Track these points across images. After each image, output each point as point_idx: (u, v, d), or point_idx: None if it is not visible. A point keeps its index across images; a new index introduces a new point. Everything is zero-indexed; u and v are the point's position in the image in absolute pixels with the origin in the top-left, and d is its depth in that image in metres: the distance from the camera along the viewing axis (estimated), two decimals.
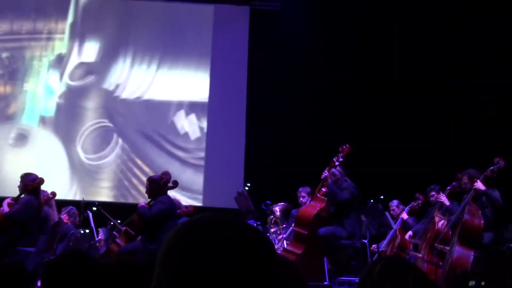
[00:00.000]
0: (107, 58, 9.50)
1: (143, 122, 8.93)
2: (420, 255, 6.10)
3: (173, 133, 8.98)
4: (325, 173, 6.70)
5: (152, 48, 9.90)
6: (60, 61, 9.55)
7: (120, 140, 8.81)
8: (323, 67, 9.50)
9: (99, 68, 9.36)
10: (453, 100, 8.91)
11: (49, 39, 9.56)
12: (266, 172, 9.17)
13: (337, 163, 6.68)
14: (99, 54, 9.48)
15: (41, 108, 9.30)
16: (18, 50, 9.50)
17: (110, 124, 8.95)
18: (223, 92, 9.90)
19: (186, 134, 8.99)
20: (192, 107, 9.45)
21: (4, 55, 9.48)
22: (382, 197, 7.64)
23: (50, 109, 9.24)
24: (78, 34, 9.58)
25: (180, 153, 8.80)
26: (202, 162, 8.97)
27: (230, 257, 0.91)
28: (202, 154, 8.92)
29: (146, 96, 9.24)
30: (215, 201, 9.27)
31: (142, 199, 8.21)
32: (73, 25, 9.59)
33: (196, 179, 8.79)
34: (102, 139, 8.91)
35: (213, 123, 9.79)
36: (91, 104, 9.11)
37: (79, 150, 8.85)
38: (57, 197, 6.97)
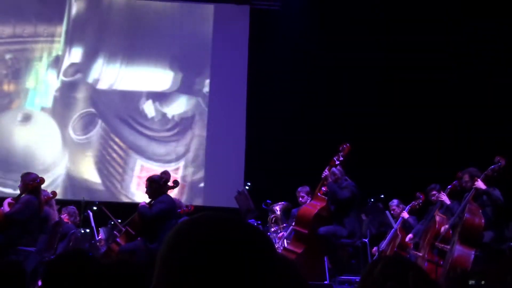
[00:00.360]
0: (93, 58, 10.19)
1: (119, 109, 10.14)
2: (421, 254, 6.09)
3: (142, 117, 10.15)
4: (326, 172, 6.69)
5: (152, 48, 10.05)
6: (57, 62, 10.09)
7: (103, 124, 10.03)
8: (323, 67, 9.50)
9: (85, 67, 10.20)
10: (453, 100, 8.90)
11: (47, 41, 10.14)
12: (266, 172, 9.17)
13: (337, 162, 6.68)
14: (86, 56, 10.18)
15: (41, 101, 10.08)
16: (20, 52, 10.09)
17: (95, 112, 10.07)
18: (223, 92, 9.92)
19: (152, 118, 10.13)
20: (155, 97, 10.19)
21: (8, 56, 10.06)
22: (382, 196, 7.64)
23: (48, 102, 10.05)
24: (70, 39, 10.21)
25: (147, 132, 10.06)
26: (164, 138, 10.13)
27: (230, 256, 0.90)
28: (166, 134, 10.12)
29: (120, 88, 10.23)
30: (216, 200, 9.30)
31: (120, 169, 9.90)
32: (67, 31, 10.22)
33: (160, 149, 10.12)
34: (89, 123, 10.05)
35: (213, 122, 9.82)
36: (80, 96, 10.11)
37: (71, 132, 9.96)
38: (57, 197, 6.98)
